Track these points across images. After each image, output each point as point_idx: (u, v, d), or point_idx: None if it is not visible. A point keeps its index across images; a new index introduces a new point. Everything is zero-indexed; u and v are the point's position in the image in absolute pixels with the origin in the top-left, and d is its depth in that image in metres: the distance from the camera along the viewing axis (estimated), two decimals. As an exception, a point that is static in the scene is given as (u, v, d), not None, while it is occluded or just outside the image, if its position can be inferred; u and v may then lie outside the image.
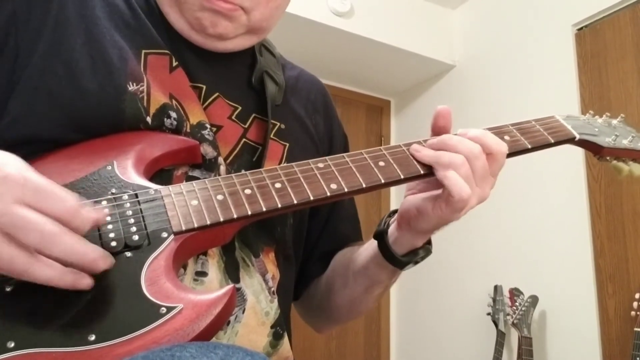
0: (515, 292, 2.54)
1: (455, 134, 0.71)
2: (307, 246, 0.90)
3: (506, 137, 0.74)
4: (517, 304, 2.49)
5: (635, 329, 2.09)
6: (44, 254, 0.50)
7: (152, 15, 0.78)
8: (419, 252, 0.75)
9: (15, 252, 0.49)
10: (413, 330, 3.34)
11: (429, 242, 0.76)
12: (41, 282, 0.51)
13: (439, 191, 0.68)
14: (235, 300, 0.59)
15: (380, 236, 0.76)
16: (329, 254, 0.90)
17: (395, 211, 0.77)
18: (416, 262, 0.75)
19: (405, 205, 0.73)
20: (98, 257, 0.52)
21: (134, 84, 0.69)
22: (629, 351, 2.09)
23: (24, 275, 0.50)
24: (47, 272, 0.50)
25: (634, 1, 2.50)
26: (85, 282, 0.52)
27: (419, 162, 0.69)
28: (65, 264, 0.51)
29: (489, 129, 0.74)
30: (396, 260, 0.74)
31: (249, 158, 0.77)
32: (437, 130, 0.73)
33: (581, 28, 2.70)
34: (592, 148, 0.80)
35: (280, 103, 0.85)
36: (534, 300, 2.49)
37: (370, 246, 0.79)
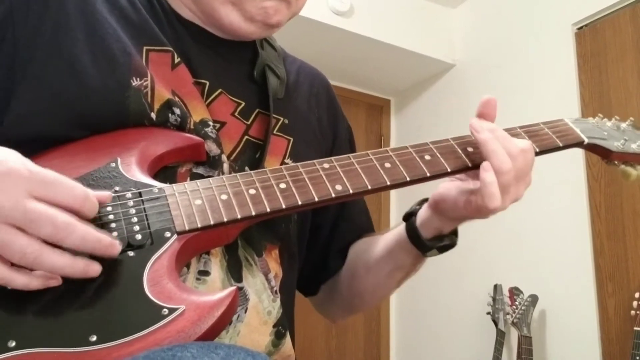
0: (515, 291, 2.54)
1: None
2: (320, 241, 0.91)
3: None
4: (517, 303, 2.49)
5: (635, 328, 2.09)
6: (59, 244, 0.51)
7: (153, 11, 0.78)
8: (444, 239, 0.76)
9: (26, 243, 0.50)
10: (413, 329, 3.34)
11: (454, 233, 0.77)
12: (53, 271, 0.51)
13: (476, 186, 0.69)
14: (238, 301, 0.59)
15: (409, 218, 0.77)
16: (346, 247, 0.91)
17: (426, 199, 0.78)
18: (440, 251, 0.76)
19: (440, 191, 0.73)
20: (111, 243, 0.53)
21: (138, 79, 0.69)
22: (629, 350, 2.09)
23: (36, 265, 0.50)
24: (60, 260, 0.51)
25: (634, 0, 2.50)
26: (96, 268, 0.53)
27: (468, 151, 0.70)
28: (78, 252, 0.52)
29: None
30: (421, 243, 0.75)
31: (252, 154, 0.77)
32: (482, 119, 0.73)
33: (581, 27, 2.70)
34: (601, 152, 0.79)
35: (282, 97, 0.85)
36: (534, 299, 2.49)
37: (395, 231, 0.81)
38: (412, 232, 0.76)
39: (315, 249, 0.91)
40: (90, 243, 0.52)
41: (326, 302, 0.95)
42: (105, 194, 0.58)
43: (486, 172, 0.67)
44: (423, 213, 0.76)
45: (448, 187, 0.73)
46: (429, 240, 0.75)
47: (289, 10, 0.80)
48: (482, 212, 0.68)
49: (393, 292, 0.89)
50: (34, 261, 0.50)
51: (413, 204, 0.79)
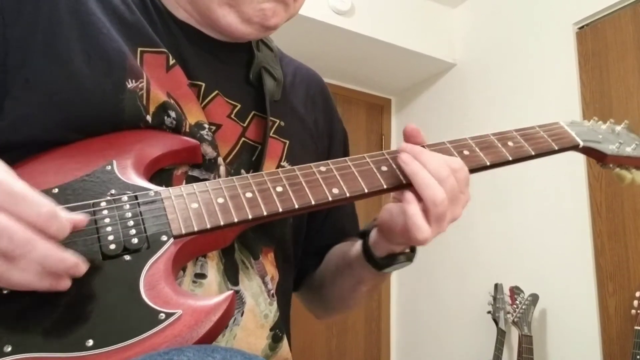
0: (515, 291, 2.54)
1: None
2: (306, 240, 0.90)
3: (510, 144, 0.74)
4: (517, 302, 2.49)
5: (636, 328, 2.09)
6: (19, 260, 0.48)
7: (148, 13, 0.77)
8: (399, 258, 0.74)
9: None
10: (413, 329, 3.34)
11: (412, 250, 0.75)
12: (19, 287, 0.50)
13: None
14: (235, 305, 0.59)
15: (364, 236, 0.76)
16: (325, 249, 0.90)
17: None
18: (394, 268, 0.75)
19: (382, 214, 0.71)
20: (75, 263, 0.51)
21: (133, 80, 0.68)
22: (629, 349, 2.08)
23: (2, 280, 0.49)
24: (23, 276, 0.49)
25: (635, 0, 2.50)
26: (64, 284, 0.51)
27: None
28: (43, 270, 0.50)
29: (494, 135, 0.74)
30: (374, 262, 0.74)
31: (248, 157, 0.77)
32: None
33: (582, 27, 2.69)
34: (596, 156, 0.79)
35: (278, 99, 0.84)
36: (535, 298, 2.49)
37: (356, 246, 0.79)
38: (367, 250, 0.75)
39: (301, 247, 0.91)
40: (50, 262, 0.49)
41: (309, 300, 0.96)
42: (80, 218, 0.54)
43: (409, 204, 0.65)
44: (373, 233, 0.75)
45: (390, 209, 0.70)
46: (382, 259, 0.74)
47: (287, 12, 0.80)
48: (415, 242, 0.66)
49: (363, 301, 0.88)
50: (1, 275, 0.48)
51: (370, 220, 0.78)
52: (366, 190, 0.66)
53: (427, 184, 0.65)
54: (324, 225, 0.91)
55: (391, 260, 0.74)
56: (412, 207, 0.65)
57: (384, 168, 0.68)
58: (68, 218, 0.52)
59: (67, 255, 0.50)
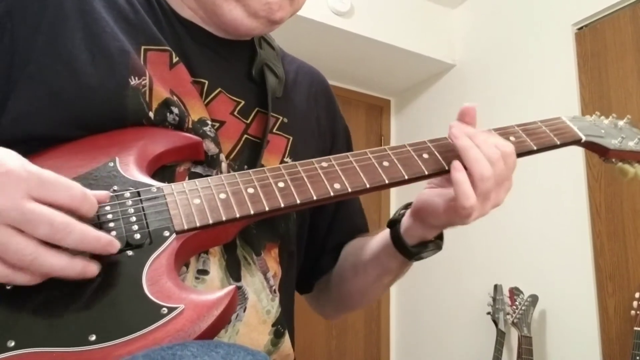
0: (515, 292, 2.54)
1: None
2: (316, 240, 0.91)
3: (512, 138, 0.74)
4: (517, 303, 2.49)
5: (635, 328, 2.09)
6: (58, 244, 0.51)
7: (152, 11, 0.78)
8: (429, 245, 0.76)
9: (24, 243, 0.50)
10: (413, 329, 3.34)
11: (440, 237, 0.77)
12: (51, 271, 0.51)
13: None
14: (237, 300, 0.59)
15: (393, 225, 0.77)
16: (339, 246, 0.91)
17: (410, 204, 0.78)
18: (425, 256, 0.76)
19: (421, 198, 0.74)
20: (110, 241, 0.54)
21: (136, 78, 0.69)
22: (629, 350, 2.08)
23: (33, 266, 0.50)
24: (57, 260, 0.51)
25: (634, 1, 2.50)
26: (94, 268, 0.53)
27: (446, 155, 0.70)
28: (77, 251, 0.52)
29: (495, 130, 0.74)
30: (406, 250, 0.76)
31: (251, 153, 0.77)
32: None
33: (581, 27, 2.69)
34: (598, 150, 0.80)
35: (280, 96, 0.85)
36: (534, 299, 2.49)
37: (382, 235, 0.81)
38: (396, 239, 0.76)
39: (311, 247, 0.91)
40: (88, 242, 0.52)
41: (319, 300, 0.96)
42: (104, 193, 0.58)
43: (457, 171, 0.67)
44: (406, 221, 0.76)
45: (429, 193, 0.73)
46: (413, 247, 0.76)
47: (292, 6, 0.81)
48: (460, 214, 0.67)
49: (383, 294, 0.90)
50: (31, 263, 0.50)
51: (399, 207, 0.79)
52: (368, 186, 0.66)
53: (477, 158, 0.66)
54: (335, 224, 0.92)
55: (422, 248, 0.76)
56: (461, 175, 0.66)
57: (386, 163, 0.68)
58: (94, 194, 0.56)
59: (102, 234, 0.54)
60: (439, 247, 0.77)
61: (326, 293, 0.93)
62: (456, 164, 0.68)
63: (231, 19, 0.78)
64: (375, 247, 0.82)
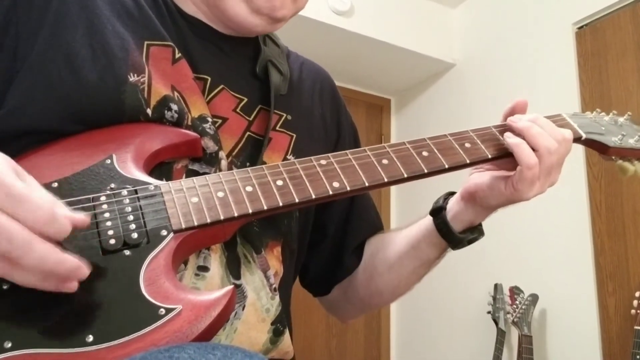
0: (515, 291, 2.54)
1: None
2: (329, 240, 0.90)
3: None
4: (517, 302, 2.49)
5: (636, 327, 2.09)
6: (19, 261, 0.47)
7: (156, 7, 0.78)
8: (475, 231, 0.78)
9: None
10: (413, 329, 3.34)
11: (480, 224, 0.79)
12: (23, 284, 0.49)
13: (510, 173, 0.72)
14: (235, 300, 0.59)
15: (438, 212, 0.78)
16: (361, 245, 0.91)
17: (451, 193, 0.80)
18: (471, 242, 0.78)
19: (474, 181, 0.75)
20: (77, 266, 0.50)
21: (135, 74, 0.68)
22: (629, 349, 2.08)
23: (7, 276, 0.48)
24: (26, 278, 0.48)
25: (634, 0, 2.50)
26: (69, 285, 0.50)
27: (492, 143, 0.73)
28: (42, 272, 0.48)
29: (494, 127, 0.75)
30: (452, 236, 0.77)
31: (254, 151, 0.77)
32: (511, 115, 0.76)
33: (581, 27, 2.69)
34: (598, 147, 0.80)
35: (285, 93, 0.84)
36: (534, 298, 2.49)
37: (419, 225, 0.82)
38: (442, 226, 0.78)
39: (324, 248, 0.90)
40: (48, 265, 0.48)
41: (340, 301, 0.95)
42: (82, 218, 0.52)
43: (512, 138, 0.71)
44: (455, 206, 0.78)
45: (480, 176, 0.75)
46: (460, 233, 0.77)
47: (295, 5, 0.81)
48: (525, 181, 0.70)
49: (412, 288, 0.89)
50: (3, 276, 0.48)
51: (438, 197, 0.81)
52: (367, 184, 0.66)
53: (541, 133, 0.70)
54: (353, 222, 0.92)
55: (469, 234, 0.78)
56: (517, 139, 0.70)
57: (385, 161, 0.68)
58: (68, 216, 0.51)
59: (66, 257, 0.49)
60: (482, 233, 0.78)
61: (349, 294, 0.92)
62: (508, 133, 0.72)
63: (234, 15, 0.78)
64: (412, 238, 0.82)
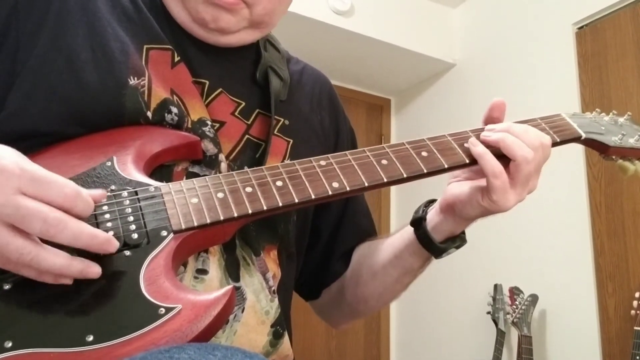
0: (515, 291, 2.54)
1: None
2: (321, 245, 0.90)
3: None
4: (517, 302, 2.49)
5: (635, 328, 2.09)
6: (51, 240, 0.50)
7: (155, 10, 0.78)
8: (456, 240, 0.77)
9: (21, 243, 0.50)
10: (413, 329, 3.34)
11: (463, 232, 0.77)
12: (51, 269, 0.51)
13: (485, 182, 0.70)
14: (235, 300, 0.59)
15: (419, 223, 0.77)
16: (349, 251, 0.91)
17: (431, 201, 0.79)
18: (452, 251, 0.77)
19: (452, 192, 0.74)
20: (107, 239, 0.53)
21: (135, 78, 0.69)
22: (629, 350, 2.08)
23: (32, 264, 0.50)
24: (55, 260, 0.51)
25: (634, 0, 2.50)
26: (95, 270, 0.53)
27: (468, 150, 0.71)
28: (74, 249, 0.51)
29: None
30: (433, 246, 0.76)
31: (252, 154, 0.77)
32: (491, 122, 0.75)
33: (582, 27, 2.69)
34: (598, 147, 0.79)
35: (284, 99, 0.84)
36: (534, 299, 2.49)
37: (402, 234, 0.81)
38: (423, 237, 0.77)
39: (316, 252, 0.90)
40: (83, 239, 0.51)
41: (328, 307, 0.94)
42: (99, 192, 0.57)
43: (476, 146, 0.69)
44: (434, 217, 0.77)
45: (458, 186, 0.74)
46: (441, 244, 0.76)
47: (240, 16, 0.76)
48: (497, 201, 0.69)
49: (399, 296, 0.88)
50: (30, 262, 0.50)
51: (418, 206, 0.80)
52: (366, 184, 0.66)
53: (518, 143, 0.68)
54: (343, 227, 0.91)
55: (450, 244, 0.76)
56: (481, 148, 0.69)
57: (384, 161, 0.68)
58: (90, 193, 0.55)
59: (98, 231, 0.53)
60: (464, 241, 0.77)
61: (336, 299, 0.92)
62: (472, 139, 0.70)
63: (181, 23, 0.77)
64: (396, 247, 0.81)
